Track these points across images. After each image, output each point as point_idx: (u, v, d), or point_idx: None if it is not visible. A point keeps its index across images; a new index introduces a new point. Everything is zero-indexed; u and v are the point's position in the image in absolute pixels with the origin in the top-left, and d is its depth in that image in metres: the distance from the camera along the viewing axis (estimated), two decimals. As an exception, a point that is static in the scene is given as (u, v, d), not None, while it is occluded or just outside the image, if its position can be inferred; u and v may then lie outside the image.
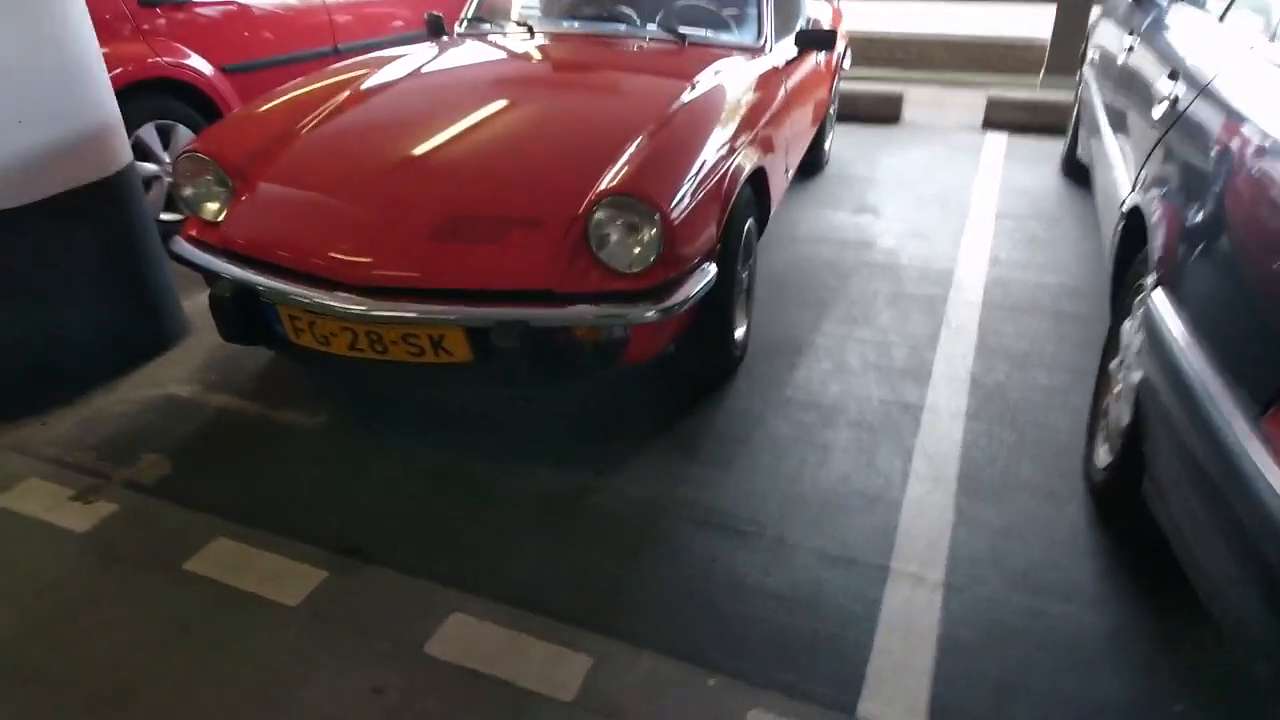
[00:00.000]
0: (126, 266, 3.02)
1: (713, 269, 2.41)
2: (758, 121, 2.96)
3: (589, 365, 2.37)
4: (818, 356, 3.15)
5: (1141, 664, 1.91)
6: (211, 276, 2.50)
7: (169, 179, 4.03)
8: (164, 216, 4.02)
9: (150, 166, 3.99)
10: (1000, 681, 1.87)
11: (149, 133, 3.97)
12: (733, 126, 2.72)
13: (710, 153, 2.49)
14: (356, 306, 2.22)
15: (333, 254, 2.31)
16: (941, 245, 4.16)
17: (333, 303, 2.23)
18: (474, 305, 2.21)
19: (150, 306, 3.14)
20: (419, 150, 2.59)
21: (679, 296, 2.26)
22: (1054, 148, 5.70)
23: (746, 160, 2.74)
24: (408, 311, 2.20)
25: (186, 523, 2.35)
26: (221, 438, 2.74)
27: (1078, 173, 4.92)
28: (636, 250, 2.23)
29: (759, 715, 1.79)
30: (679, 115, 2.65)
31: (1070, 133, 4.85)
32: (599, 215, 2.23)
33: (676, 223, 2.23)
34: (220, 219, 2.57)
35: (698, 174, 2.38)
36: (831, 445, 2.64)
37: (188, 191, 2.62)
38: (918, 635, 1.99)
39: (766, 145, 2.99)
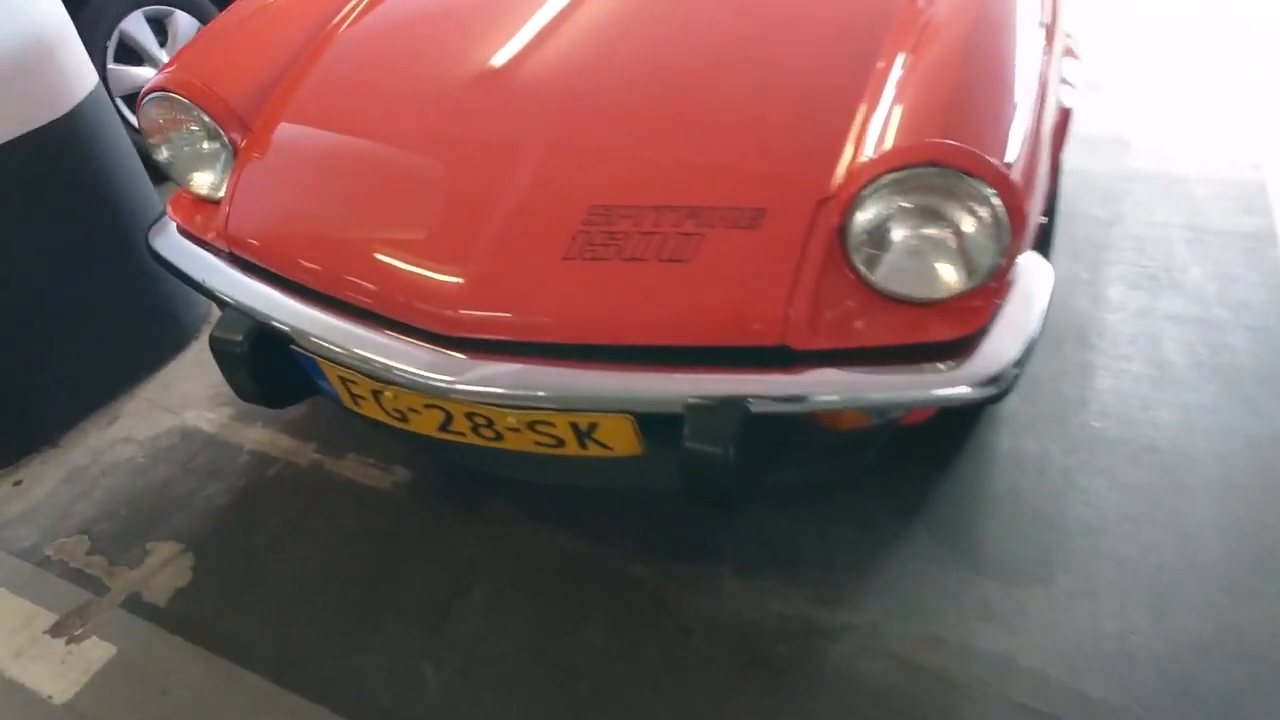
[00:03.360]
0: (107, 236, 2.12)
1: (1048, 271, 1.36)
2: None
3: (833, 459, 1.42)
4: (1117, 348, 2.10)
5: None
6: (212, 296, 1.58)
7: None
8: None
9: (143, 73, 3.01)
10: None
11: (137, 24, 2.95)
12: (1035, 15, 1.55)
13: (1027, 67, 1.38)
14: (441, 378, 1.28)
15: (397, 273, 1.36)
16: (1231, 137, 2.94)
17: (407, 370, 1.30)
18: (650, 371, 1.24)
19: (149, 292, 2.25)
20: (526, 78, 1.55)
21: (1018, 338, 1.24)
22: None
23: (1068, 71, 1.62)
24: (534, 389, 1.26)
25: (219, 690, 1.55)
26: (262, 508, 1.90)
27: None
28: (946, 265, 1.20)
29: None
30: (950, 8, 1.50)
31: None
32: (873, 203, 1.19)
33: (1024, 202, 1.18)
34: (220, 195, 1.62)
35: (1024, 109, 1.30)
36: (1197, 533, 1.66)
37: (164, 155, 1.65)
38: None
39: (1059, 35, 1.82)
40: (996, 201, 1.15)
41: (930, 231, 1.19)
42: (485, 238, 1.34)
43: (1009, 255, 1.18)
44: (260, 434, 2.09)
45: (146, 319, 2.28)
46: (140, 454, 2.08)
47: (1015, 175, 1.18)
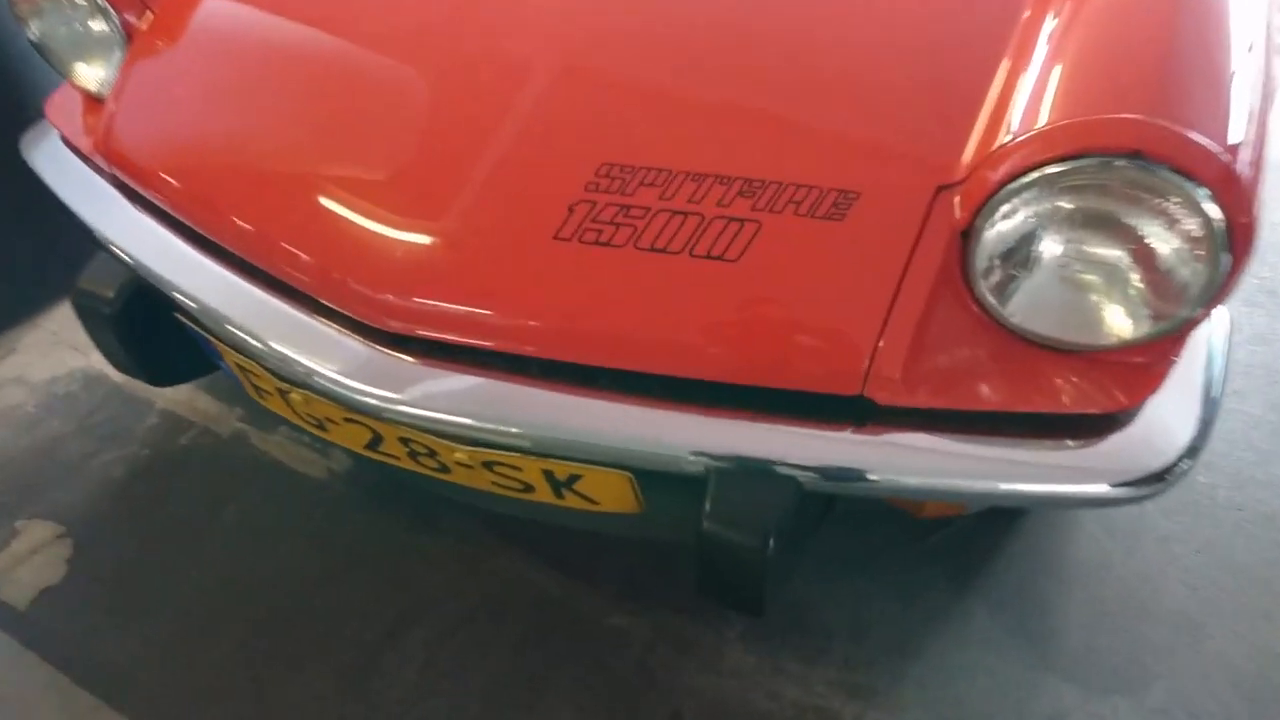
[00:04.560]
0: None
1: (1223, 313, 0.99)
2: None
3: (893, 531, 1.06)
4: (1230, 380, 1.71)
5: None
6: (86, 231, 1.18)
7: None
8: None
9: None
10: None
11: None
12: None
13: (1247, 11, 0.96)
14: (373, 392, 0.90)
15: (331, 233, 0.97)
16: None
17: (325, 375, 0.92)
18: (663, 409, 0.87)
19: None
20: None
21: (1190, 414, 0.87)
22: None
23: None
24: (500, 420, 0.88)
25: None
26: (166, 488, 1.54)
27: None
28: (1117, 303, 0.81)
29: None
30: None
31: None
32: (1024, 204, 0.80)
33: (1252, 211, 0.78)
34: (106, 94, 1.21)
35: (1248, 73, 0.89)
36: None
37: (35, 33, 1.23)
38: None
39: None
40: (1214, 211, 0.76)
41: (1102, 251, 0.80)
42: (455, 195, 0.94)
43: (1221, 291, 0.79)
44: (176, 390, 1.71)
45: (58, 232, 1.87)
46: (31, 401, 1.71)
47: (1242, 170, 0.78)
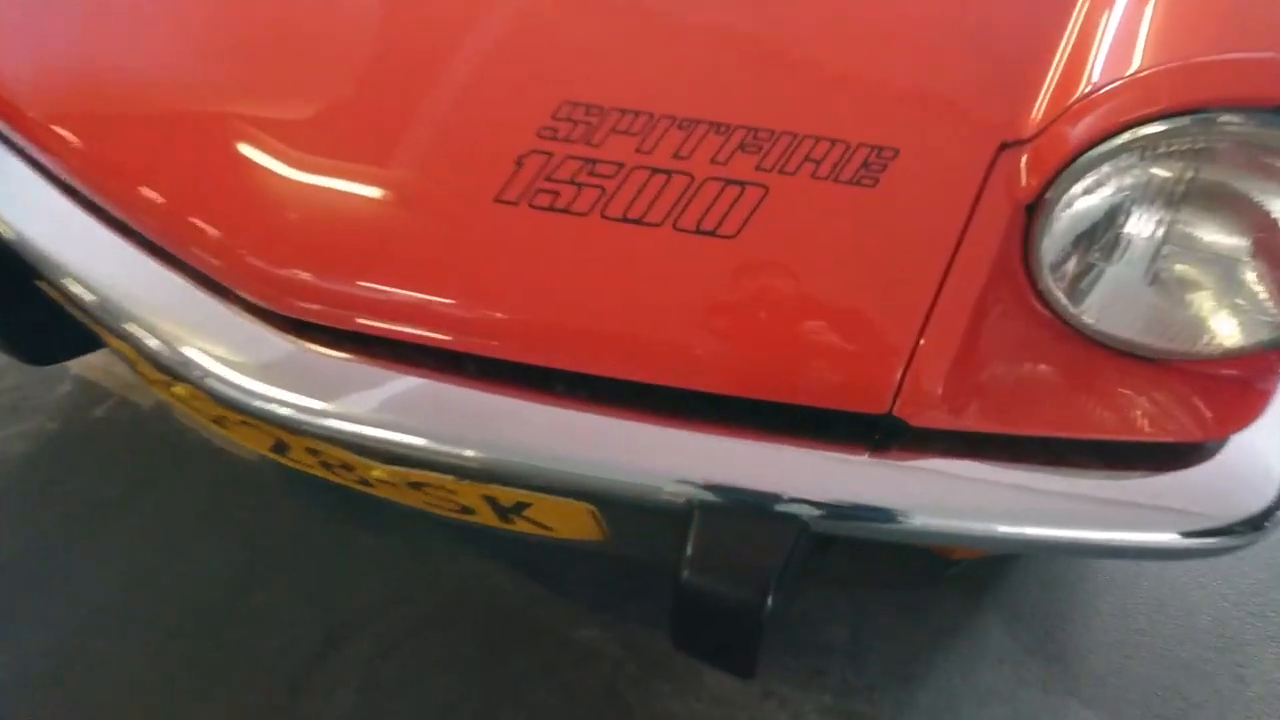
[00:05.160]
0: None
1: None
2: None
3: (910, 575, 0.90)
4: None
5: None
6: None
7: None
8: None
9: None
10: None
11: None
12: None
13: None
14: (285, 397, 0.71)
15: (235, 188, 0.76)
16: None
17: (215, 374, 0.73)
18: (636, 420, 0.68)
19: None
20: None
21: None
22: None
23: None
24: (442, 438, 0.69)
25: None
26: (74, 469, 1.35)
27: None
28: (1221, 305, 0.63)
29: None
30: None
31: None
32: (1115, 173, 0.61)
33: None
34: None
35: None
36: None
37: None
38: None
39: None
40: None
41: (1213, 237, 0.61)
42: (376, 141, 0.74)
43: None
44: (93, 355, 1.51)
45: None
46: (-76, 363, 1.51)
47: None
